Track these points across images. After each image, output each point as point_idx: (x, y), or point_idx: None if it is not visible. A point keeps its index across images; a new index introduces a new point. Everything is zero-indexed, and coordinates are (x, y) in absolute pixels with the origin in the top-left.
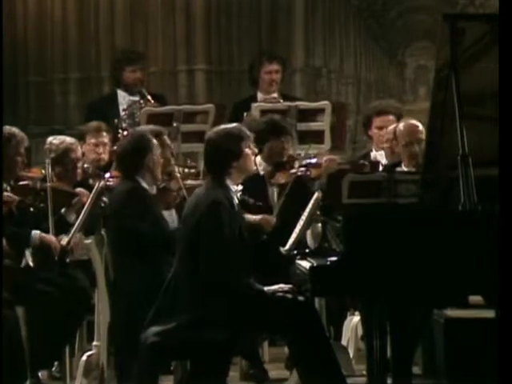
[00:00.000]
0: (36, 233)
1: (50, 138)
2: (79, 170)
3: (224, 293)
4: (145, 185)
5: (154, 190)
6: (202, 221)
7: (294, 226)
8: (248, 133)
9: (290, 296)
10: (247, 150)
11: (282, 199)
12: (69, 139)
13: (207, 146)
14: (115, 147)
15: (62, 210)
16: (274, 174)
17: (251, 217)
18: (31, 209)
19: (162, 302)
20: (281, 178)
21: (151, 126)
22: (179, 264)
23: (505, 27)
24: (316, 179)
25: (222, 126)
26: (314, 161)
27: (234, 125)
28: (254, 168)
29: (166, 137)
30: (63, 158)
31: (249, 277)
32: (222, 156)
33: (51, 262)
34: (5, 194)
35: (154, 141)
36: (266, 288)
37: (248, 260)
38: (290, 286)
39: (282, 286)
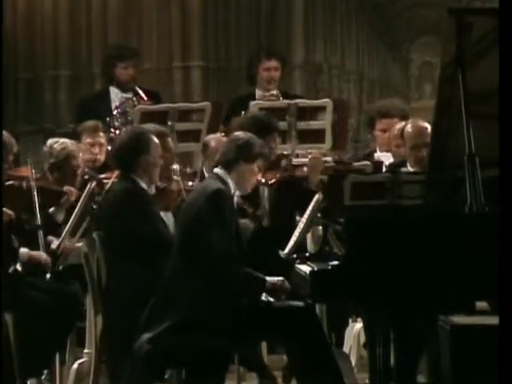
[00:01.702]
0: (24, 251)
1: (51, 141)
2: (78, 178)
3: (223, 283)
4: (143, 184)
5: (152, 191)
6: (203, 209)
7: (286, 227)
8: (266, 154)
9: (289, 301)
10: (254, 166)
11: (270, 201)
12: (71, 144)
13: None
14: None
15: (51, 210)
16: (264, 173)
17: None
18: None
19: (154, 304)
20: (272, 178)
21: (156, 126)
22: (174, 261)
23: (505, 23)
24: (305, 178)
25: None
26: (298, 159)
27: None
28: (249, 189)
29: (169, 139)
30: (64, 164)
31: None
32: (235, 150)
33: (41, 266)
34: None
35: (155, 141)
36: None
37: (245, 257)
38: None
39: (281, 278)
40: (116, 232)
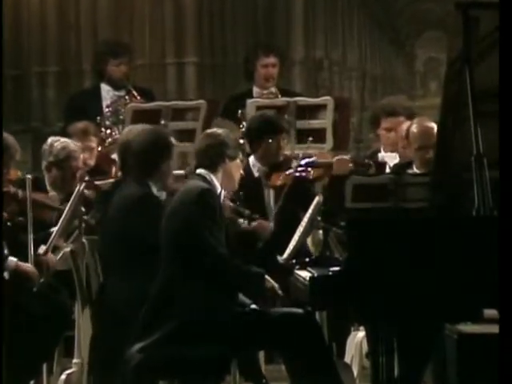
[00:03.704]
0: (12, 260)
1: (52, 140)
2: (76, 181)
3: (221, 283)
4: (155, 191)
5: (163, 196)
6: (193, 210)
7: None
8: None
9: (288, 308)
10: (238, 160)
11: (279, 203)
12: (73, 145)
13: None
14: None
15: (52, 230)
16: (270, 175)
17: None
18: (8, 223)
19: (147, 312)
20: (277, 180)
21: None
22: (166, 267)
23: (505, 21)
24: (317, 181)
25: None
26: (312, 160)
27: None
28: (236, 186)
29: None
30: (63, 164)
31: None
32: (218, 148)
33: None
34: None
35: (174, 142)
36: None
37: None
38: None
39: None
40: (123, 238)
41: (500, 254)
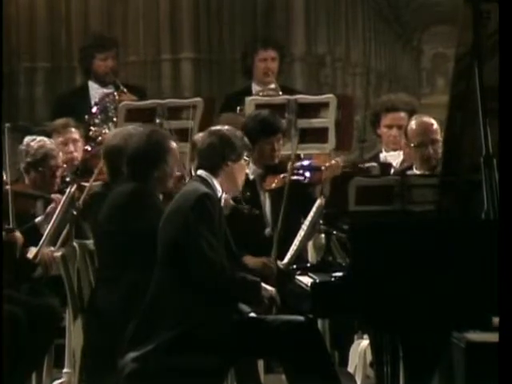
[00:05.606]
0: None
1: (28, 139)
2: (57, 180)
3: (217, 293)
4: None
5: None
6: (190, 216)
7: (292, 236)
8: (249, 145)
9: (288, 316)
10: (242, 161)
11: (282, 210)
12: (49, 143)
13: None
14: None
15: (37, 220)
16: (266, 178)
17: (250, 260)
18: None
19: (141, 320)
20: (272, 184)
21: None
22: (161, 273)
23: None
24: (315, 184)
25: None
26: (307, 163)
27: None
28: (240, 188)
29: None
30: (41, 164)
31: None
32: (219, 151)
33: (17, 278)
34: None
35: (174, 147)
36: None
37: (237, 262)
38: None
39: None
40: (119, 235)
41: (499, 258)
